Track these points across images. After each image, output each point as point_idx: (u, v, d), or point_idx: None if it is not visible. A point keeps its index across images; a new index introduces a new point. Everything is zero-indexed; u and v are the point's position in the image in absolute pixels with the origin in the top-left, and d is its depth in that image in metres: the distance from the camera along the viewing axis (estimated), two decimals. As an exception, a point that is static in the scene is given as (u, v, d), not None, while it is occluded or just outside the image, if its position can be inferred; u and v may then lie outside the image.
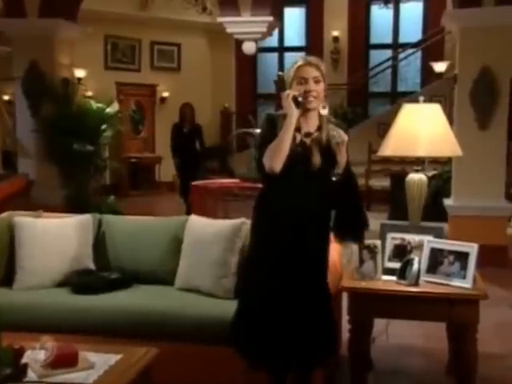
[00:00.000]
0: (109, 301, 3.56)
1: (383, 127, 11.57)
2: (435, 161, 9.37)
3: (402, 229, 3.56)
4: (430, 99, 11.76)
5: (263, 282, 2.92)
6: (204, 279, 3.64)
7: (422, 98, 3.56)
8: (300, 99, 2.82)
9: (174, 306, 3.48)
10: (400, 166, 9.89)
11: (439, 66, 9.04)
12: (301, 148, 2.88)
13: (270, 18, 7.29)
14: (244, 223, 3.65)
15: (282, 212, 2.90)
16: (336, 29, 13.44)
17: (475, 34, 6.32)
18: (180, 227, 3.87)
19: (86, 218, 4.00)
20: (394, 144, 3.53)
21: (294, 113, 2.80)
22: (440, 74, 9.14)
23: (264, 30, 7.24)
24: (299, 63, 2.87)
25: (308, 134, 2.90)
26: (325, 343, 2.98)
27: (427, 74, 12.62)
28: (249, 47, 7.37)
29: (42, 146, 7.56)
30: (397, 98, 13.18)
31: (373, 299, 3.31)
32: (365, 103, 13.52)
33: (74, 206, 6.94)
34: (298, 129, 2.88)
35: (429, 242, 3.39)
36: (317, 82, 2.85)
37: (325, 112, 2.92)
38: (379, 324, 3.75)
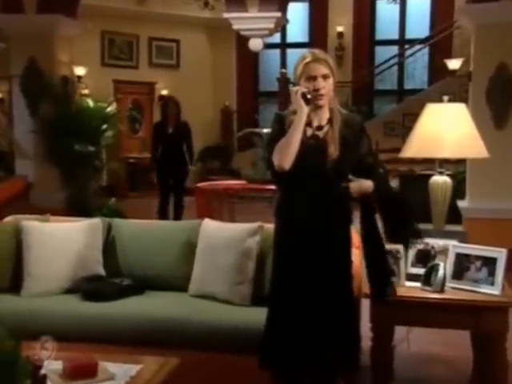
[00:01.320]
0: (121, 308, 3.55)
1: (390, 126, 11.62)
2: (446, 161, 9.37)
3: (425, 233, 3.55)
4: (438, 97, 11.88)
5: (285, 288, 2.93)
6: (219, 285, 3.63)
7: (446, 98, 3.56)
8: (309, 96, 2.82)
9: (189, 313, 3.47)
10: (408, 167, 9.89)
11: (453, 63, 9.01)
12: (313, 140, 2.89)
13: (278, 14, 7.28)
14: (261, 226, 3.64)
15: (298, 211, 2.89)
16: (340, 24, 13.43)
17: (491, 30, 6.30)
18: (193, 231, 3.86)
19: (96, 221, 3.98)
20: (418, 145, 3.53)
21: (303, 109, 2.81)
22: (453, 72, 9.11)
23: (271, 26, 7.23)
24: (307, 60, 2.85)
25: (319, 128, 2.90)
26: (348, 355, 2.97)
27: (435, 71, 12.62)
28: (255, 44, 7.36)
29: (41, 147, 7.53)
30: (404, 95, 13.21)
31: (396, 306, 3.28)
32: (370, 101, 13.51)
33: (74, 208, 6.93)
34: (308, 123, 2.89)
35: (454, 246, 3.38)
36: (326, 78, 2.85)
37: (336, 105, 2.93)
38: (399, 331, 3.73)
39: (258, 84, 14.11)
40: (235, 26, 7.35)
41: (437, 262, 3.37)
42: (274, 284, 3.03)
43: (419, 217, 3.23)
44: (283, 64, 13.55)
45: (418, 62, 13.12)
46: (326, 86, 2.84)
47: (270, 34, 7.54)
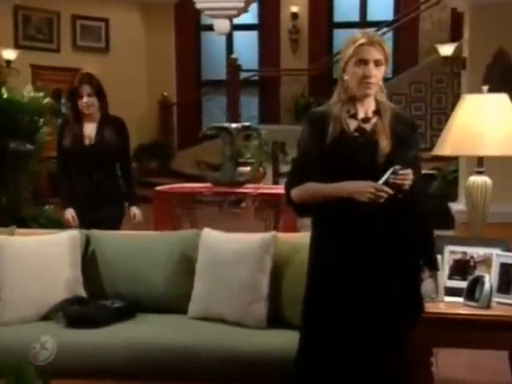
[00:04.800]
0: (113, 335, 3.49)
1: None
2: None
3: (462, 241, 3.62)
4: (408, 87, 12.14)
5: (325, 311, 2.91)
6: (228, 306, 3.60)
7: (485, 88, 3.63)
8: (391, 179, 2.75)
9: (196, 339, 3.44)
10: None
11: (445, 49, 9.17)
12: (359, 134, 2.90)
13: (249, -9, 7.29)
14: (275, 237, 3.64)
15: (346, 224, 2.86)
16: (295, 4, 13.56)
17: (488, 12, 6.44)
18: (191, 243, 3.84)
19: (73, 234, 3.91)
20: (454, 142, 3.60)
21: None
22: (446, 58, 9.29)
23: (241, 5, 7.22)
24: (361, 41, 2.87)
25: (366, 120, 2.92)
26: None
27: (402, 58, 12.89)
28: (222, 26, 7.34)
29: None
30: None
31: (435, 325, 3.31)
32: (329, 92, 13.57)
33: (4, 218, 6.70)
34: (353, 115, 2.90)
35: (498, 256, 3.45)
36: (378, 65, 2.87)
37: (383, 97, 2.96)
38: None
39: (200, 71, 14.07)
40: (198, 5, 7.31)
41: (480, 273, 3.43)
42: (309, 303, 3.00)
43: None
44: (230, 49, 13.56)
45: (383, 48, 13.31)
46: (378, 75, 2.86)
47: (239, 14, 7.54)
